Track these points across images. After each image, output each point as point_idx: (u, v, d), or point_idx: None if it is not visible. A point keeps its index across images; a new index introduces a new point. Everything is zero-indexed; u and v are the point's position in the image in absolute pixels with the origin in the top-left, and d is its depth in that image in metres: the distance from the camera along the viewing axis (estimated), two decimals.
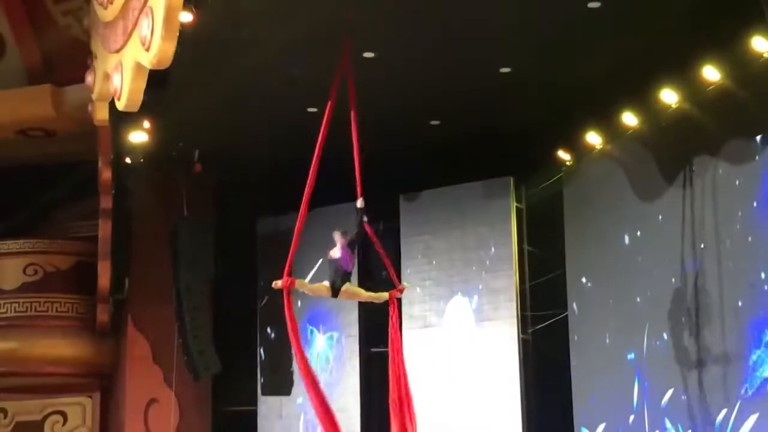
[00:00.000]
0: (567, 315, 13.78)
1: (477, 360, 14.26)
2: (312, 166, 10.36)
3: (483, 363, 14.20)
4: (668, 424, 12.14)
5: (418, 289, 14.80)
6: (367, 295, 10.81)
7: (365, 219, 10.50)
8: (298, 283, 10.34)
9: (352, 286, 10.54)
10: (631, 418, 12.66)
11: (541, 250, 14.31)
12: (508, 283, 14.21)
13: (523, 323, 14.12)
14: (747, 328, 11.19)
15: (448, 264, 14.73)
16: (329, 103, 10.47)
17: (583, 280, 13.60)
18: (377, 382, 14.01)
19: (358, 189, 10.51)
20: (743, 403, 11.14)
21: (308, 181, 10.37)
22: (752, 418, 11.03)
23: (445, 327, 14.64)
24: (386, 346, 10.90)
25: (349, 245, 10.42)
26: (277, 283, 10.23)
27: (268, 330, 15.82)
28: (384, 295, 10.81)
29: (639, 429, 12.51)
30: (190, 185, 14.68)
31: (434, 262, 14.82)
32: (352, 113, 10.57)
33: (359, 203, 10.48)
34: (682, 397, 11.97)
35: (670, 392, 12.15)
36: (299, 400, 15.44)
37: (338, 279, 10.35)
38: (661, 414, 12.25)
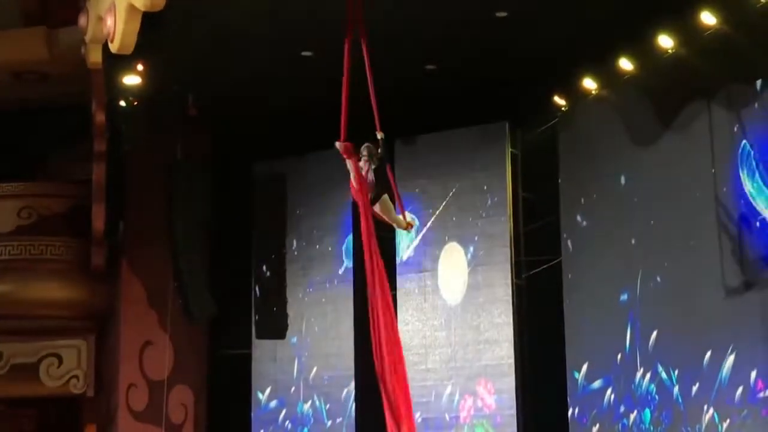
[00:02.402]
0: (561, 260, 13.82)
1: (471, 305, 14.32)
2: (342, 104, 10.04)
3: (477, 308, 14.26)
4: (659, 366, 12.23)
5: (413, 234, 14.84)
6: (393, 217, 10.14)
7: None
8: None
9: (388, 201, 9.91)
10: (621, 359, 12.75)
11: (536, 196, 14.32)
12: (502, 228, 14.23)
13: (518, 268, 14.16)
14: (738, 273, 11.27)
15: (443, 209, 14.74)
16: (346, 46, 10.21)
17: (578, 218, 13.62)
18: None
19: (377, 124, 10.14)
20: (727, 343, 11.31)
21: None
22: (731, 358, 11.23)
23: (439, 272, 14.68)
24: None
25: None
26: (339, 145, 9.63)
27: (264, 268, 15.86)
28: (402, 223, 10.23)
29: (630, 370, 12.61)
30: (185, 128, 14.64)
31: (430, 208, 14.83)
32: (364, 50, 10.33)
33: (379, 135, 10.01)
34: (672, 338, 12.07)
35: (661, 333, 12.25)
36: (294, 340, 15.52)
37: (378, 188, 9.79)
38: (651, 355, 12.34)
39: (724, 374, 11.31)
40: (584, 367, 13.29)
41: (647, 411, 12.41)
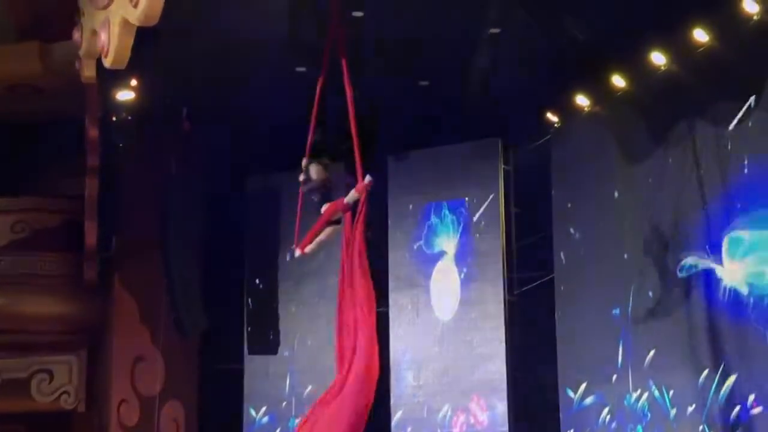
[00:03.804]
0: (553, 277, 13.82)
1: (464, 321, 14.31)
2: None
3: (469, 324, 14.25)
4: (652, 382, 12.21)
5: (406, 252, 14.85)
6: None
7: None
8: (308, 248, 10.49)
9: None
10: (615, 377, 12.74)
11: (529, 212, 14.34)
12: (495, 244, 14.24)
13: (510, 284, 14.17)
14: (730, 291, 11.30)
15: (436, 225, 14.75)
16: (324, 64, 10.33)
17: (571, 234, 13.63)
18: None
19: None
20: (725, 364, 11.26)
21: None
22: (731, 378, 11.17)
23: (432, 288, 14.67)
24: None
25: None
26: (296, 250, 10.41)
27: (257, 282, 15.84)
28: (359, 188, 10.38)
29: (622, 388, 12.59)
30: (178, 143, 14.65)
31: (422, 224, 14.85)
32: (345, 77, 10.42)
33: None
34: (665, 355, 12.05)
35: (654, 349, 12.23)
36: (286, 355, 15.49)
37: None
38: (644, 371, 12.32)
39: (720, 393, 11.28)
40: (576, 384, 13.28)
41: (639, 428, 12.39)
